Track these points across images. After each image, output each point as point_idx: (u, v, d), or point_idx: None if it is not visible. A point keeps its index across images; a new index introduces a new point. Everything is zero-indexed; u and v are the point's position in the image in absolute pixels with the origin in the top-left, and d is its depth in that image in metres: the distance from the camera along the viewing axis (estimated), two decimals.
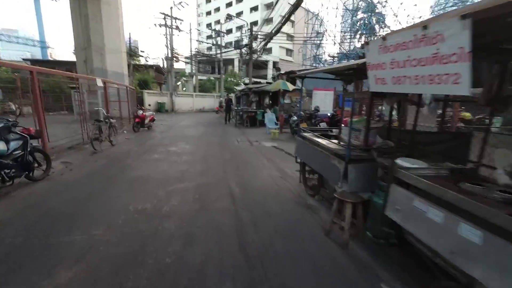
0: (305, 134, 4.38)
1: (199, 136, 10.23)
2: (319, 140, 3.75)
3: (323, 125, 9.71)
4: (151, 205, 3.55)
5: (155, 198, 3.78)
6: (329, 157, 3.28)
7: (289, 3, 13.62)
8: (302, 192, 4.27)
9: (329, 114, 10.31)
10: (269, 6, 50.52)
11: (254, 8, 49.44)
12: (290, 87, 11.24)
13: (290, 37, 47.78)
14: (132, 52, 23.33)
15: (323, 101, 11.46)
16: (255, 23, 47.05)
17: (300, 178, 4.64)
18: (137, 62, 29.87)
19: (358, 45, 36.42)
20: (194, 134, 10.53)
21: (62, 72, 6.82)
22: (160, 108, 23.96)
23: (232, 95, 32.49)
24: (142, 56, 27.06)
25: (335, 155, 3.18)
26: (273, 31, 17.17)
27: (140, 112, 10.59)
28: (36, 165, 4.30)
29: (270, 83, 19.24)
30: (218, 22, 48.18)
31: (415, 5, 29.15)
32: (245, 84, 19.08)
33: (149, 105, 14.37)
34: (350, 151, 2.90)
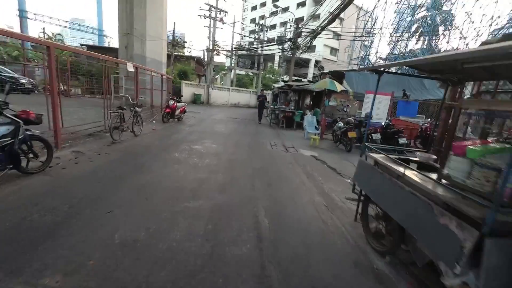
0: (375, 155, 2.98)
1: (228, 133, 9.25)
2: (407, 172, 2.34)
3: (375, 136, 8.02)
4: (146, 235, 2.53)
5: (155, 223, 2.77)
6: (432, 209, 1.89)
7: None
8: (361, 239, 2.90)
9: (383, 124, 8.53)
10: (317, 2, 48.04)
11: (301, 4, 47.42)
12: (339, 87, 9.60)
13: (336, 35, 44.99)
14: (175, 42, 23.42)
15: (376, 107, 9.62)
16: (301, 19, 45.17)
17: (357, 215, 3.27)
18: (180, 53, 30.36)
19: (417, 46, 32.45)
20: (223, 131, 9.60)
21: (84, 51, 6.30)
22: (195, 100, 23.87)
23: (269, 92, 31.42)
24: (185, 47, 27.19)
25: (450, 210, 1.79)
26: (319, 28, 15.50)
27: (171, 102, 9.97)
28: (31, 155, 3.62)
29: (311, 82, 17.60)
30: (262, 17, 47.40)
31: (496, 1, 24.50)
32: (285, 81, 17.70)
33: (181, 95, 13.83)
34: (496, 213, 1.49)
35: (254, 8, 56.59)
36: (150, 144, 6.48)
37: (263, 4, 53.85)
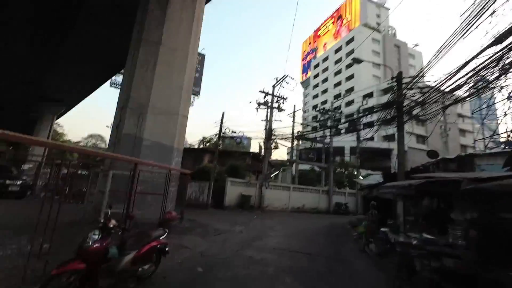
0: None
1: None
2: None
3: None
4: None
5: None
6: None
7: None
8: None
9: None
10: (387, 91, 43.59)
11: (369, 95, 43.37)
12: None
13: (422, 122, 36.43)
14: (224, 134, 19.87)
15: None
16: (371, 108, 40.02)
17: None
18: (233, 149, 27.28)
19: None
20: None
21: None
22: (243, 203, 17.42)
23: (344, 192, 22.93)
24: (237, 142, 23.67)
25: None
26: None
27: (94, 238, 3.28)
28: None
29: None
30: (325, 102, 45.27)
31: None
32: (390, 175, 9.79)
33: (129, 220, 4.55)
34: None
35: (315, 96, 56.68)
36: None
37: (324, 91, 53.38)
